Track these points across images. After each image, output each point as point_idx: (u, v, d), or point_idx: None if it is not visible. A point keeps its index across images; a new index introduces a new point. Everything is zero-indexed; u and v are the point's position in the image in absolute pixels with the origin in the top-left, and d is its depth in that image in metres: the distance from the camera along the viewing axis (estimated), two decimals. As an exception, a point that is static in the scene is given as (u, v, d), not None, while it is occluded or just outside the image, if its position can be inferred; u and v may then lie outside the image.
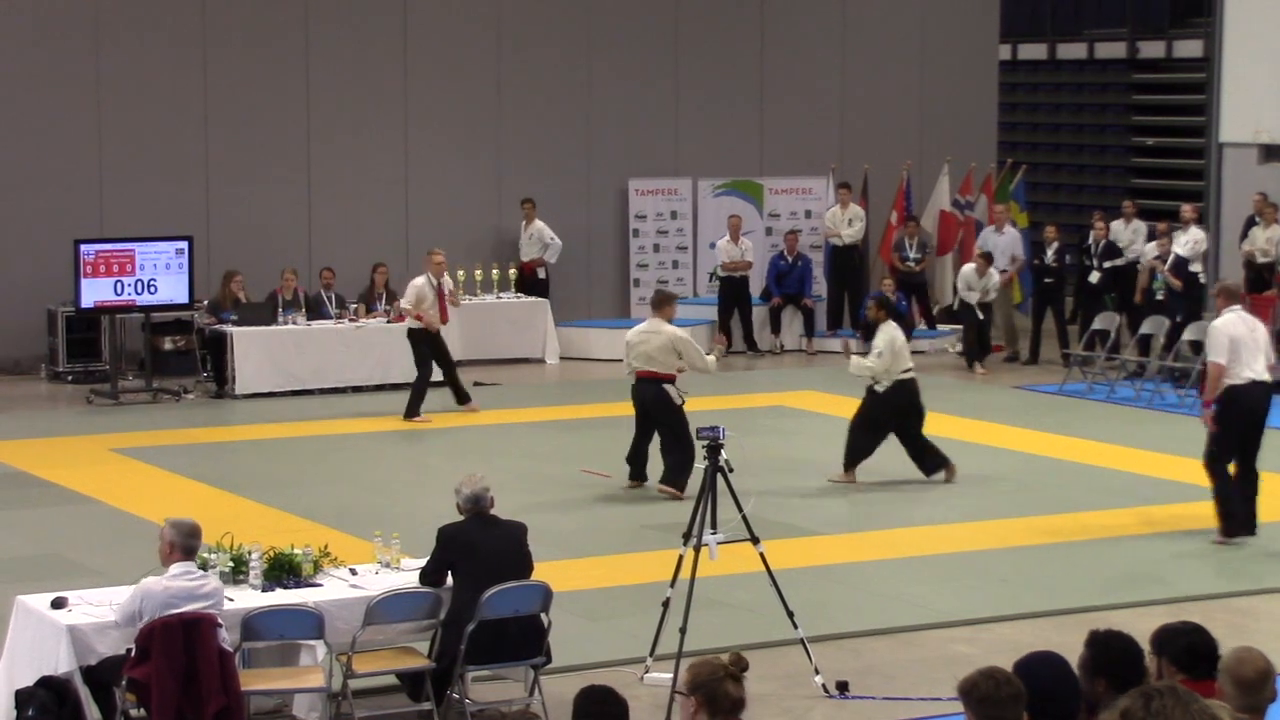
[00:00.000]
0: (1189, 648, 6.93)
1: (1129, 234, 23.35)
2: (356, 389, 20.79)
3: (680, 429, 15.31)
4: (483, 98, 24.55)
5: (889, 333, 15.94)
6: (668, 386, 15.40)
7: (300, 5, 23.52)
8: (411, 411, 19.28)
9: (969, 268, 23.33)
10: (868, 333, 16.49)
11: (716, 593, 11.60)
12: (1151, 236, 23.48)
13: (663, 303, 15.77)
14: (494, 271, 23.19)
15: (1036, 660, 6.75)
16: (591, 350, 23.66)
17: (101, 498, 15.50)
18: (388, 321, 21.24)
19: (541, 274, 24.00)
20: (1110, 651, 6.86)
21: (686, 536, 10.63)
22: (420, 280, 19.48)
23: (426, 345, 19.41)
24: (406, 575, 10.13)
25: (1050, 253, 23.32)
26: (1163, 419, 19.68)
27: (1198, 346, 21.02)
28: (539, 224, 24.06)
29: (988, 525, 14.79)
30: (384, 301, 21.49)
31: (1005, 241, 23.91)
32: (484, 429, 18.88)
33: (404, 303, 19.72)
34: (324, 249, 23.15)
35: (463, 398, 19.71)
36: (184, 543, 9.06)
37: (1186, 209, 23.20)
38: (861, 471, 16.26)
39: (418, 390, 19.32)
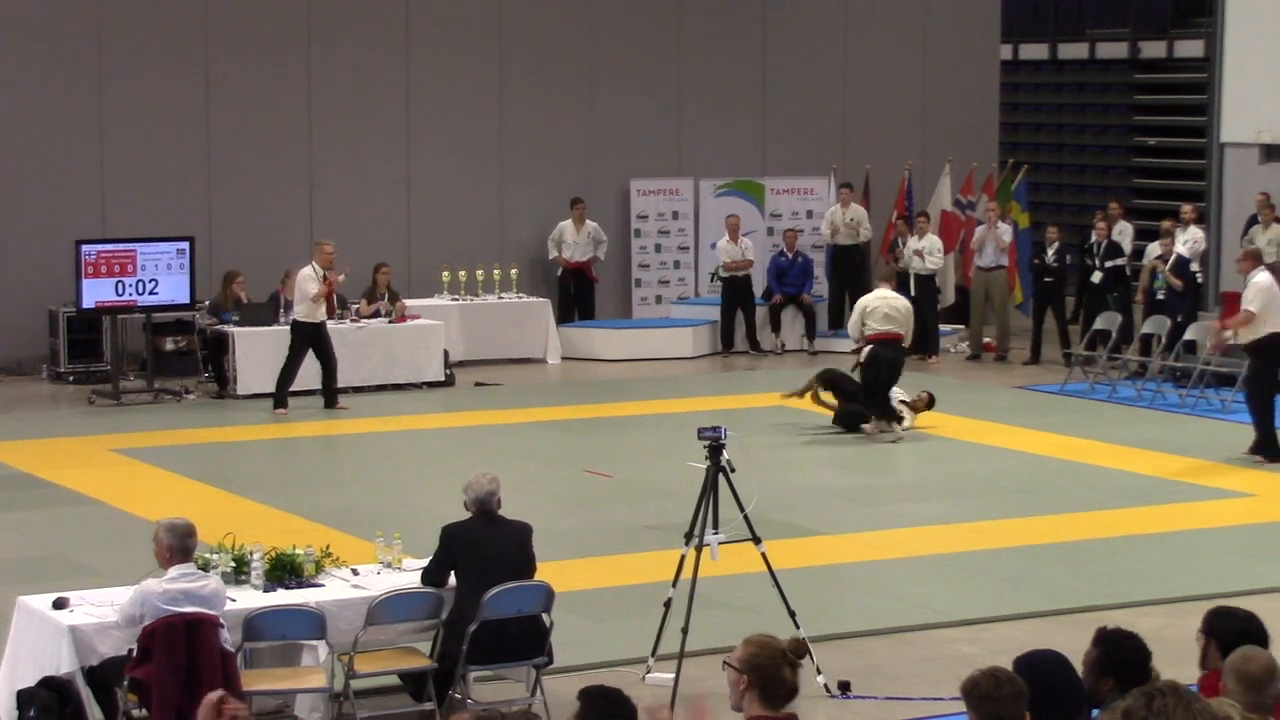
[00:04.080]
0: (1242, 634, 6.90)
1: (1115, 234, 23.33)
2: (358, 389, 20.76)
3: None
4: (484, 98, 24.55)
5: None
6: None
7: (303, 7, 23.52)
8: (279, 403, 19.51)
9: (911, 239, 23.94)
10: None
11: (718, 593, 11.60)
12: (1140, 237, 23.46)
13: (891, 276, 19.17)
14: (495, 272, 23.19)
15: (1038, 658, 6.74)
16: (594, 350, 23.65)
17: (103, 498, 15.50)
18: (389, 322, 21.26)
19: (595, 272, 24.25)
20: (1120, 651, 6.84)
21: (688, 536, 10.64)
22: (307, 269, 19.54)
23: (309, 339, 19.51)
24: (408, 575, 10.13)
25: (1051, 253, 23.32)
26: (1164, 419, 19.68)
27: (1192, 346, 21.05)
28: (591, 223, 24.18)
29: (989, 525, 14.79)
30: (386, 302, 21.50)
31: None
32: (486, 429, 18.88)
33: (297, 296, 19.63)
34: (326, 250, 23.13)
35: (331, 401, 19.72)
36: (180, 544, 9.05)
37: (1186, 209, 23.20)
38: (867, 471, 16.28)
39: (284, 379, 19.52)
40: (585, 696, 6.28)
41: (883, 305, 18.01)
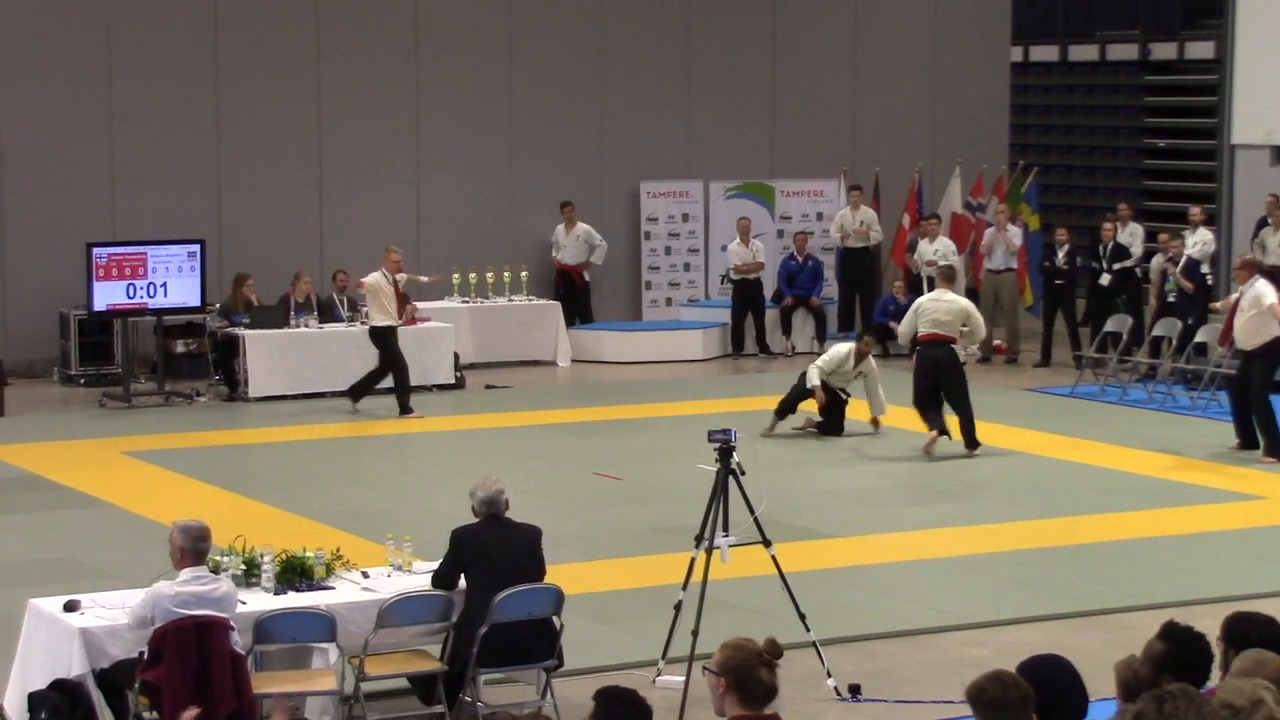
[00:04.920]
0: (1262, 638, 6.89)
1: (1125, 236, 23.31)
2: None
3: (965, 388, 17.50)
4: (495, 100, 24.57)
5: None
6: (955, 346, 17.46)
7: (311, 9, 23.54)
8: (404, 409, 19.53)
9: (923, 242, 23.92)
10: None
11: (728, 595, 11.59)
12: (1151, 239, 23.42)
13: (951, 276, 18.38)
14: (505, 274, 23.21)
15: (1042, 663, 6.71)
16: (603, 353, 23.65)
17: (114, 501, 15.52)
18: (401, 324, 21.23)
19: (585, 276, 24.12)
20: (1188, 652, 6.81)
21: (698, 539, 10.63)
22: (376, 275, 19.57)
23: (393, 340, 19.55)
24: (418, 578, 10.14)
25: (1061, 255, 23.30)
26: (1175, 421, 19.66)
27: (1202, 348, 21.04)
28: (583, 226, 24.13)
29: (1000, 527, 14.78)
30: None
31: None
32: (496, 432, 18.89)
33: (369, 301, 19.71)
34: (335, 252, 23.17)
35: (357, 397, 19.76)
36: (193, 547, 9.06)
37: (1194, 211, 23.17)
38: (876, 474, 16.28)
39: (401, 385, 19.56)
40: (600, 698, 6.28)
41: (935, 307, 17.52)
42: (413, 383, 21.01)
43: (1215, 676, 7.08)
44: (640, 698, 6.29)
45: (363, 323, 21.09)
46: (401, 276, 19.83)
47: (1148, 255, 23.47)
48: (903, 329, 18.11)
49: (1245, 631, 6.99)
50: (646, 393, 21.23)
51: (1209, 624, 7.34)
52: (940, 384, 17.51)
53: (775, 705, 6.36)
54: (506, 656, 9.80)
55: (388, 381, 19.90)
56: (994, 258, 23.89)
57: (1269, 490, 16.22)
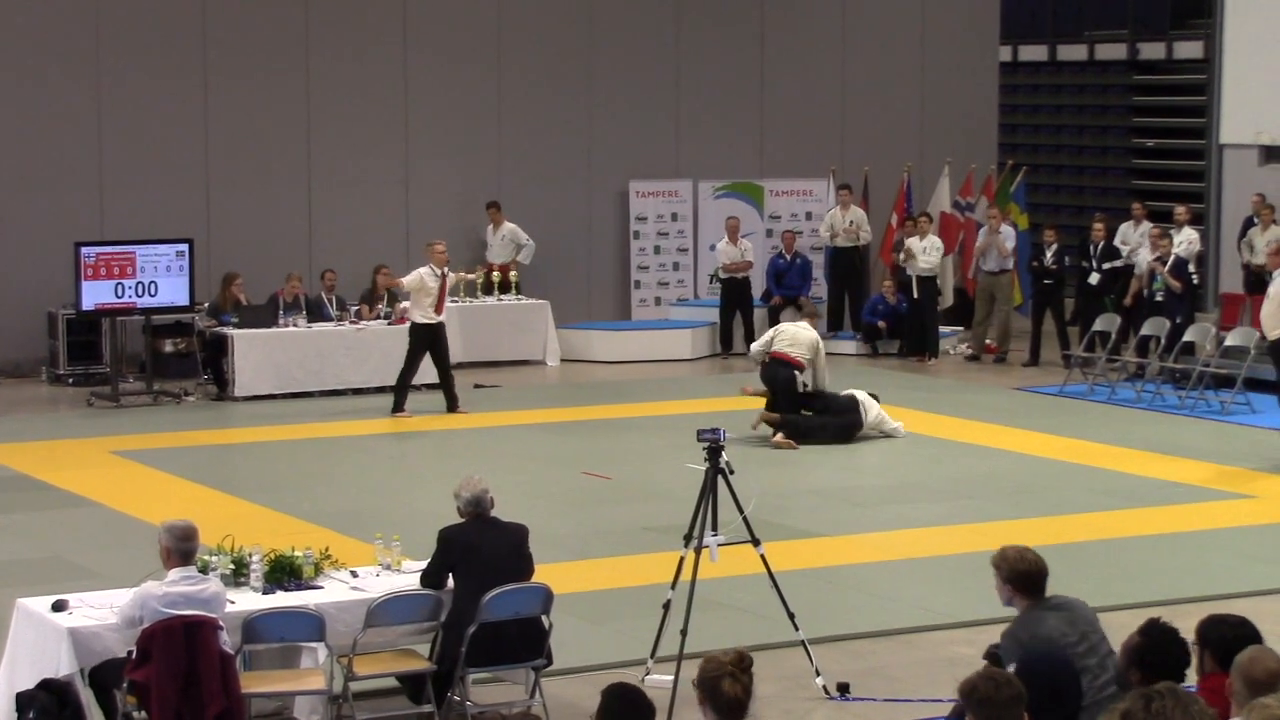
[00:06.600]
0: (1236, 640, 6.92)
1: (1137, 236, 23.31)
2: (357, 391, 20.77)
3: (796, 400, 18.31)
4: (483, 99, 24.56)
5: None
6: (797, 372, 18.18)
7: (301, 8, 23.52)
8: (398, 406, 19.42)
9: (911, 241, 23.90)
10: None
11: (717, 594, 11.60)
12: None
13: (815, 313, 20.19)
14: (494, 274, 23.20)
15: (1039, 658, 6.74)
16: (592, 352, 23.64)
17: (102, 500, 15.50)
18: (389, 324, 21.23)
19: (513, 275, 23.98)
20: (1160, 651, 6.84)
21: (687, 538, 10.63)
22: (424, 269, 19.49)
23: (428, 340, 19.41)
24: (407, 577, 10.13)
25: (1049, 254, 23.32)
26: (1163, 420, 19.68)
27: (1190, 348, 21.06)
28: (510, 225, 23.99)
29: (988, 527, 14.77)
30: (385, 303, 21.48)
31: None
32: (485, 431, 18.88)
33: (404, 281, 19.56)
34: (324, 251, 23.15)
35: (452, 404, 19.63)
36: (178, 547, 9.04)
37: (1179, 210, 23.19)
38: (866, 473, 16.28)
39: (402, 383, 19.43)
40: (606, 695, 6.38)
41: (794, 332, 18.57)
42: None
43: (1190, 679, 7.10)
44: (646, 698, 6.37)
45: (350, 321, 21.09)
46: (449, 272, 19.74)
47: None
48: (757, 346, 18.76)
49: (1220, 634, 7.02)
50: (635, 392, 21.23)
51: (1196, 623, 7.36)
52: (778, 394, 18.25)
53: (756, 711, 6.40)
54: (495, 656, 9.80)
55: (430, 377, 19.90)
56: (989, 260, 23.88)
57: (1257, 489, 16.24)
